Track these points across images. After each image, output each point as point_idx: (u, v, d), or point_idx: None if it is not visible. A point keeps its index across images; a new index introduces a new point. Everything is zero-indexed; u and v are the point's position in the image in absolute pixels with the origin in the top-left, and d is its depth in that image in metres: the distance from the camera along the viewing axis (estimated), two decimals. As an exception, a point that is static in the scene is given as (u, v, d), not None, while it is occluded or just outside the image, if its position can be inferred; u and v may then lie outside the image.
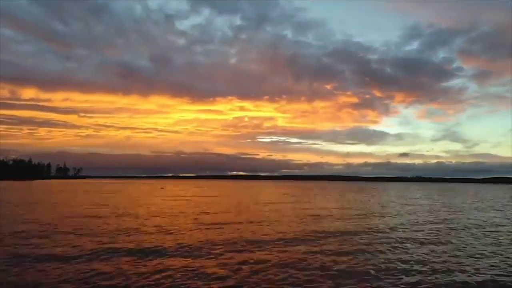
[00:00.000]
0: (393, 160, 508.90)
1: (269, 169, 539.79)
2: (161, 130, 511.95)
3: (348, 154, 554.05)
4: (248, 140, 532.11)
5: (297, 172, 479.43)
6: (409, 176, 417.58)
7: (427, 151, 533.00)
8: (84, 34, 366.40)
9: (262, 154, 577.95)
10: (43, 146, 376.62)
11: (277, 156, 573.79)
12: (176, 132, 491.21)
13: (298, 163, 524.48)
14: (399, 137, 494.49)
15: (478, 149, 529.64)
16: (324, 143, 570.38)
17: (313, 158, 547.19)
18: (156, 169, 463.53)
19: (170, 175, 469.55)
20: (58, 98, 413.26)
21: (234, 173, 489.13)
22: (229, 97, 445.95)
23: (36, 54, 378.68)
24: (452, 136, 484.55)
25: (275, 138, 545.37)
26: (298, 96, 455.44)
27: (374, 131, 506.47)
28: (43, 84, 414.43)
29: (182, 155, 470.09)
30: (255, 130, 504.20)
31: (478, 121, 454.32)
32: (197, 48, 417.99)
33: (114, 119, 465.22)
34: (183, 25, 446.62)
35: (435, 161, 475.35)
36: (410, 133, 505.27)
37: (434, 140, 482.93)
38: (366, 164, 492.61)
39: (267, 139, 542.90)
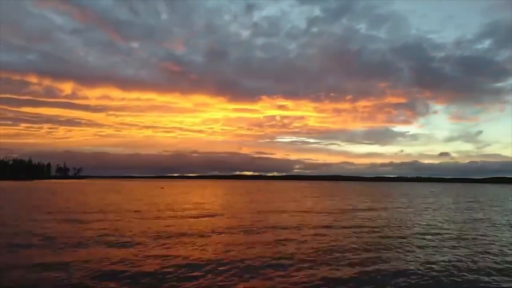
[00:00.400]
0: (421, 160, 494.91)
1: (280, 169, 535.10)
2: (185, 130, 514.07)
3: (366, 154, 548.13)
4: (267, 140, 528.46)
5: (308, 172, 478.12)
6: (410, 177, 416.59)
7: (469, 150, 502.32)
8: (145, 24, 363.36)
9: (279, 154, 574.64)
10: (56, 145, 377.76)
11: (292, 156, 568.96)
12: (199, 131, 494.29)
13: (313, 163, 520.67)
14: (428, 137, 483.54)
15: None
16: (343, 143, 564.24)
17: (329, 158, 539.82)
18: (163, 169, 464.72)
19: (176, 175, 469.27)
20: (95, 95, 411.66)
21: (243, 173, 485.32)
22: (275, 96, 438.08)
23: (83, 46, 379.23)
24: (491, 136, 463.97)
25: (294, 139, 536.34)
26: (344, 94, 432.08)
27: (402, 132, 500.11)
28: (83, 80, 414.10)
29: (195, 155, 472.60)
30: (279, 130, 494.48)
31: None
32: (258, 41, 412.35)
33: (141, 118, 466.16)
34: (257, 16, 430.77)
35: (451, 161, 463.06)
36: (443, 133, 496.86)
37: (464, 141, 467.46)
38: (384, 165, 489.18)
39: (286, 139, 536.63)
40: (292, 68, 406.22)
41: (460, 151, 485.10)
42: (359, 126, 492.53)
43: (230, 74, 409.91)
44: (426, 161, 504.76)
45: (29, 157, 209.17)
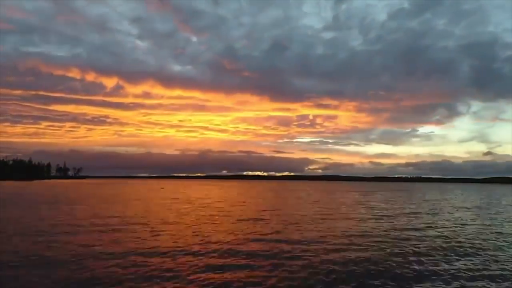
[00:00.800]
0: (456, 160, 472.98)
1: (291, 169, 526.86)
2: (210, 129, 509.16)
3: (383, 155, 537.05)
4: (286, 140, 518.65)
5: (321, 172, 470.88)
6: (410, 176, 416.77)
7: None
8: (215, 14, 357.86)
9: (296, 154, 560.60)
10: (65, 145, 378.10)
11: (307, 155, 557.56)
12: (223, 130, 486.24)
13: (326, 163, 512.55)
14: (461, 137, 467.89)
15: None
16: (362, 143, 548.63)
17: (349, 159, 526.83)
18: (169, 169, 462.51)
19: (183, 175, 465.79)
20: (135, 91, 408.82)
21: (254, 173, 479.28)
22: (321, 95, 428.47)
23: (137, 38, 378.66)
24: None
25: (314, 139, 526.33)
26: (393, 93, 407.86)
27: (431, 132, 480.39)
28: (127, 75, 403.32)
29: (206, 154, 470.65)
30: (304, 130, 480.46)
31: None
32: (325, 35, 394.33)
33: (170, 117, 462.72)
34: (339, 8, 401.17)
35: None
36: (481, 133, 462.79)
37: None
38: (396, 165, 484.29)
39: (305, 139, 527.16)
40: (348, 65, 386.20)
41: (500, 151, 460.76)
42: (388, 126, 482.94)
43: (283, 72, 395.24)
44: (462, 161, 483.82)
45: (29, 157, 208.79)
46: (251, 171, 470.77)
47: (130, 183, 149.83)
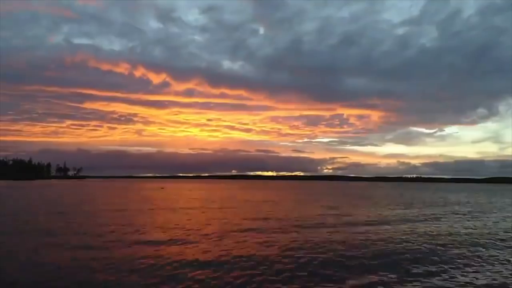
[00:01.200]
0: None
1: (304, 169, 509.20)
2: (235, 129, 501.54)
3: (397, 155, 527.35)
4: (306, 140, 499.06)
5: (339, 172, 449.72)
6: (409, 176, 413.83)
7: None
8: (298, 4, 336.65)
9: (317, 154, 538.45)
10: (79, 144, 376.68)
11: (324, 155, 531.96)
12: (247, 130, 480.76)
13: (343, 163, 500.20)
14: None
15: None
16: (381, 143, 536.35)
17: (362, 159, 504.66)
18: (175, 169, 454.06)
19: (189, 174, 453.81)
20: (180, 88, 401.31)
21: (259, 173, 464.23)
22: (369, 96, 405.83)
23: (198, 31, 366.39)
24: None
25: (334, 138, 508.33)
26: (442, 93, 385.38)
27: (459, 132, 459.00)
28: (177, 72, 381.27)
29: (220, 154, 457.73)
30: (330, 129, 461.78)
31: None
32: (398, 31, 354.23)
33: (200, 116, 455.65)
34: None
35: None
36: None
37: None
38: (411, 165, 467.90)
39: (325, 139, 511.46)
40: (410, 63, 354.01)
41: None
42: (417, 126, 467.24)
43: (338, 70, 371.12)
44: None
45: (34, 157, 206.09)
46: (264, 171, 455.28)
47: (127, 183, 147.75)
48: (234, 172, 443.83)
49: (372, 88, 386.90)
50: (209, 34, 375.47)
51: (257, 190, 74.49)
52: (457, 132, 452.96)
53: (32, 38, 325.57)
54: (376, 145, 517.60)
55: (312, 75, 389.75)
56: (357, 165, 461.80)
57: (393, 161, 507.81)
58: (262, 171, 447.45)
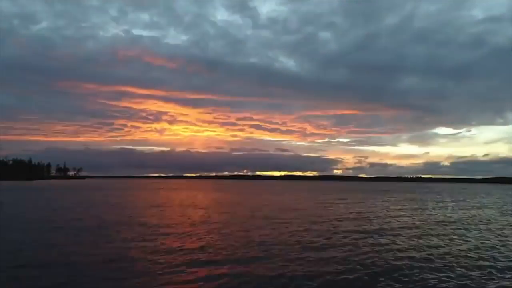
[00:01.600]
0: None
1: (317, 169, 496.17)
2: (261, 128, 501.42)
3: (409, 155, 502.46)
4: (327, 139, 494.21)
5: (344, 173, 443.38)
6: (409, 176, 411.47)
7: None
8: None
9: (334, 154, 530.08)
10: (89, 144, 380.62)
11: (341, 155, 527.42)
12: (273, 129, 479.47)
13: (360, 164, 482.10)
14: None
15: None
16: (403, 144, 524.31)
17: (378, 159, 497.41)
18: (181, 168, 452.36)
19: (191, 174, 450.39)
20: (230, 87, 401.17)
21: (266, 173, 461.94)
22: (417, 97, 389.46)
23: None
24: None
25: (355, 139, 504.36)
26: (484, 95, 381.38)
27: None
28: (232, 70, 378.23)
29: (233, 154, 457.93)
30: (356, 129, 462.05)
31: None
32: (482, 26, 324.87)
33: (231, 114, 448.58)
34: None
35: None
36: None
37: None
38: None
39: (345, 140, 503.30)
40: (478, 62, 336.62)
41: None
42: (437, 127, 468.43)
43: (401, 69, 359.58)
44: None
45: (37, 156, 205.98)
46: (276, 171, 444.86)
47: (125, 183, 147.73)
48: (244, 172, 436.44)
49: (422, 88, 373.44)
50: (278, 26, 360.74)
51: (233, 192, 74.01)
52: (488, 132, 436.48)
53: (87, 28, 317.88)
54: (395, 145, 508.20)
55: (370, 74, 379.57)
56: (377, 164, 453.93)
57: (420, 161, 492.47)
58: (274, 171, 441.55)
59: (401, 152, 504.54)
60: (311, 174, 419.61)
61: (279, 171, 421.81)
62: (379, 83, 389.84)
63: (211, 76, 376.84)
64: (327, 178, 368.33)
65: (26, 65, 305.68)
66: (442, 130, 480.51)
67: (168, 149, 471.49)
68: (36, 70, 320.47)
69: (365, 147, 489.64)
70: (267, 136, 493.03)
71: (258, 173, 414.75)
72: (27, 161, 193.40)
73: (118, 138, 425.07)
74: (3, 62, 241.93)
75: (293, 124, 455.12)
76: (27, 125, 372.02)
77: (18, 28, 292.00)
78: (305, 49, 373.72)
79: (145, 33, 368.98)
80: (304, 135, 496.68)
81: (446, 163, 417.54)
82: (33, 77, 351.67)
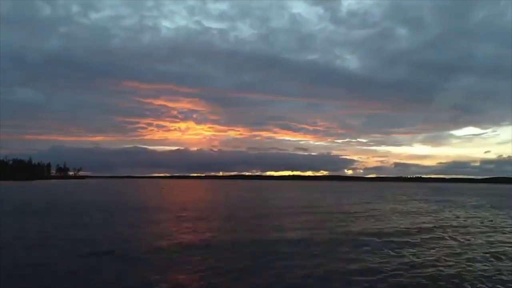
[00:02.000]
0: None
1: (330, 169, 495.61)
2: (285, 128, 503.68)
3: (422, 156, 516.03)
4: (348, 139, 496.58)
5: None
6: (409, 177, 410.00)
7: None
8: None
9: (348, 154, 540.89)
10: (99, 143, 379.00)
11: (354, 156, 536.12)
12: (298, 129, 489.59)
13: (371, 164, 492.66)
14: None
15: None
16: (418, 145, 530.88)
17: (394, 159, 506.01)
18: (188, 168, 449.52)
19: (201, 174, 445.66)
20: (273, 85, 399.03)
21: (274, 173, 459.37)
22: (457, 97, 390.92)
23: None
24: None
25: (374, 139, 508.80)
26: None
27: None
28: (285, 67, 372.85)
29: (244, 153, 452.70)
30: (380, 129, 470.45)
31: None
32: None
33: (262, 114, 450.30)
34: None
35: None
36: None
37: None
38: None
39: (364, 140, 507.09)
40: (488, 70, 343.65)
41: None
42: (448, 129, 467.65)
43: (455, 68, 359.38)
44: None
45: (39, 156, 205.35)
46: (290, 171, 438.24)
47: (125, 183, 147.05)
48: (252, 172, 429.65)
49: (474, 88, 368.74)
50: (355, 20, 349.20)
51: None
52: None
53: (150, 18, 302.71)
54: (410, 145, 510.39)
55: (426, 73, 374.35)
56: (400, 165, 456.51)
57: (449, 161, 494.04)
58: (287, 170, 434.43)
59: (424, 152, 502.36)
60: (322, 174, 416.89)
61: (292, 171, 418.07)
62: (432, 83, 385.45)
63: (265, 74, 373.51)
64: (337, 179, 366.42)
65: (68, 59, 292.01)
66: (469, 130, 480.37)
67: (182, 148, 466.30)
68: (78, 65, 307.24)
69: (389, 147, 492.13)
70: (288, 136, 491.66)
71: (269, 173, 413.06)
72: (27, 161, 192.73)
73: (138, 138, 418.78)
74: (41, 56, 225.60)
75: (322, 124, 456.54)
76: (46, 123, 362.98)
77: (76, 16, 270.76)
78: (373, 46, 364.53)
79: (215, 25, 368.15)
80: (327, 134, 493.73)
81: (473, 164, 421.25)
82: (70, 72, 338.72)
